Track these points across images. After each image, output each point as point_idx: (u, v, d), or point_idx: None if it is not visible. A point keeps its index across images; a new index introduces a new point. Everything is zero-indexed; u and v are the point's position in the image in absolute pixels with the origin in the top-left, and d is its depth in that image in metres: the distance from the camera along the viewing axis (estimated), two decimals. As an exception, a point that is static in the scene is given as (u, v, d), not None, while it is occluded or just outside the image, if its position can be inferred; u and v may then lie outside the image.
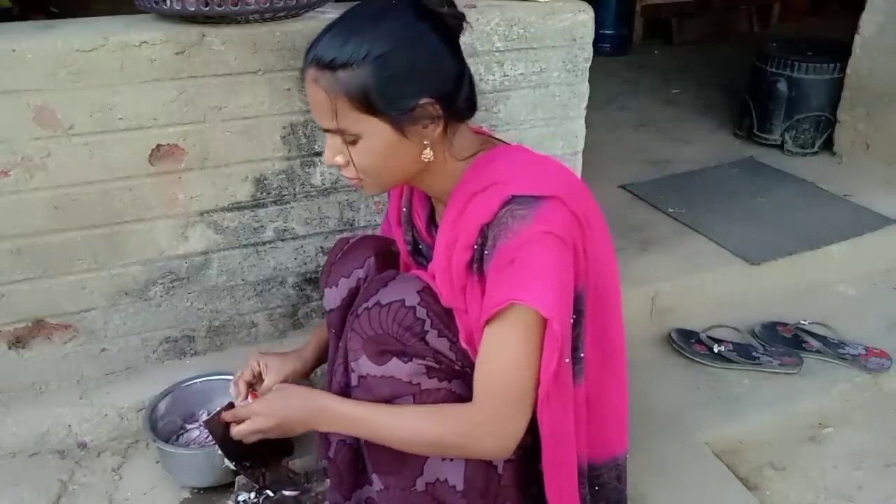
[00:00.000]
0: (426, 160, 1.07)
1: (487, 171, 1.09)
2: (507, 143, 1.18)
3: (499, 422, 1.05)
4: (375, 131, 1.02)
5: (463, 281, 1.09)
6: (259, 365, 1.38)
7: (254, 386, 1.37)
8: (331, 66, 1.00)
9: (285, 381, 1.37)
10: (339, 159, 1.07)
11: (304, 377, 1.42)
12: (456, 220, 1.09)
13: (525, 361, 1.03)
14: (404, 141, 1.03)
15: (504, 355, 1.04)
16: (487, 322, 1.03)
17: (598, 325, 1.14)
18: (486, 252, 1.04)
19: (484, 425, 1.06)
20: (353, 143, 1.04)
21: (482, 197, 1.06)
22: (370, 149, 1.04)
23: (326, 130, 1.06)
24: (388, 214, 1.37)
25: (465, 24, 1.08)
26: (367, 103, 1.00)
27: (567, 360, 1.07)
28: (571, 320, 1.07)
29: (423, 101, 1.01)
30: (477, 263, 1.06)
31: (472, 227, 1.06)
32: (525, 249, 1.00)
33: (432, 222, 1.25)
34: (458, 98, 1.05)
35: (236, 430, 1.21)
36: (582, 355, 1.12)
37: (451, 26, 1.05)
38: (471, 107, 1.10)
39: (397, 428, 1.09)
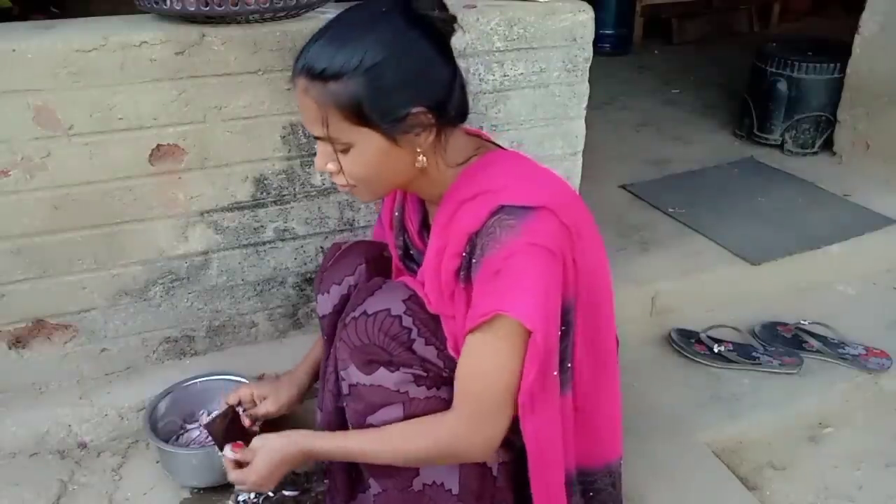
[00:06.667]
0: (419, 167, 1.06)
1: (478, 178, 1.08)
2: (502, 148, 1.17)
3: (479, 428, 1.06)
4: (367, 141, 1.01)
5: (451, 288, 1.08)
6: (252, 395, 1.42)
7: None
8: (321, 76, 0.98)
9: (279, 410, 1.41)
10: (331, 166, 1.05)
11: (299, 401, 1.45)
12: (445, 227, 1.08)
13: (506, 370, 1.03)
14: (396, 149, 1.02)
15: (485, 363, 1.03)
16: (471, 331, 1.03)
17: (590, 334, 1.13)
18: (473, 261, 1.04)
19: (465, 433, 1.06)
20: (345, 151, 1.03)
21: (471, 205, 1.05)
22: (362, 158, 1.03)
23: (318, 139, 1.05)
24: (381, 217, 1.36)
25: (456, 27, 1.06)
26: (358, 114, 0.99)
27: (555, 374, 1.06)
28: (559, 332, 1.06)
29: (415, 110, 0.99)
30: (464, 271, 1.06)
31: (460, 234, 1.05)
32: (512, 261, 0.99)
33: (424, 228, 1.24)
34: (450, 105, 1.04)
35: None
36: (570, 365, 1.11)
37: (442, 31, 1.03)
38: (463, 112, 1.08)
39: (384, 451, 1.10)
